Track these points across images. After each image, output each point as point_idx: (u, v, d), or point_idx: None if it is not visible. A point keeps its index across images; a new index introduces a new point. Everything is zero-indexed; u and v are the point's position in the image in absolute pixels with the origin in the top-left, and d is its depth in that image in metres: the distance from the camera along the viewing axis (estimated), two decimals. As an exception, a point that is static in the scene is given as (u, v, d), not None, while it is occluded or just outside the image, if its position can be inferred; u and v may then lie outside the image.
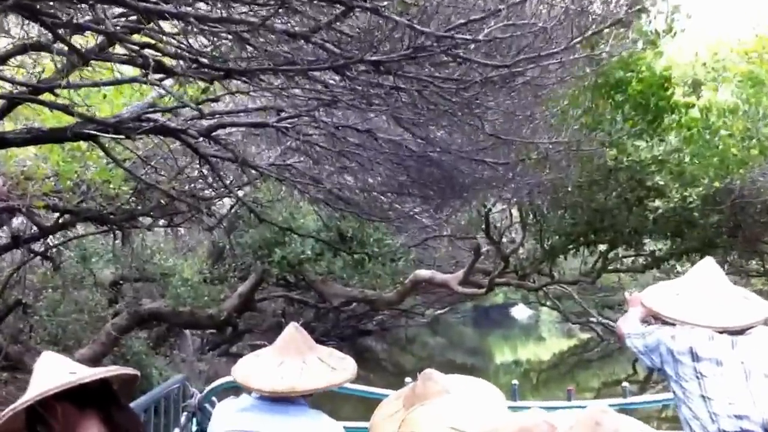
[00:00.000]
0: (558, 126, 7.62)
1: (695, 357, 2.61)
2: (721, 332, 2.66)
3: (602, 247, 11.39)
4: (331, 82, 6.00)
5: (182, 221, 12.61)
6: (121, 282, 14.23)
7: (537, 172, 8.31)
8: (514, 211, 11.85)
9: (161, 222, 12.79)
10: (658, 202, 9.70)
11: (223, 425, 2.61)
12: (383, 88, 5.58)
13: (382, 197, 8.95)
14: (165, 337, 17.20)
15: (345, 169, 8.72)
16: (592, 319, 24.73)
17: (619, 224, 10.62)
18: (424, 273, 12.51)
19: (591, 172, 9.76)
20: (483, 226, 11.04)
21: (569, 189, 10.32)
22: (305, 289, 14.73)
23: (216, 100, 7.25)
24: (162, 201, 10.52)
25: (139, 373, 2.14)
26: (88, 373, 1.95)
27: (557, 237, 11.43)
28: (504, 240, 12.02)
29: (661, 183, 9.67)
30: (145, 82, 6.01)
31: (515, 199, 10.26)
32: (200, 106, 6.97)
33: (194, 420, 4.25)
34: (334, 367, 2.63)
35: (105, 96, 7.27)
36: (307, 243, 11.18)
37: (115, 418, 1.98)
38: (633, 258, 12.31)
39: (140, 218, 12.72)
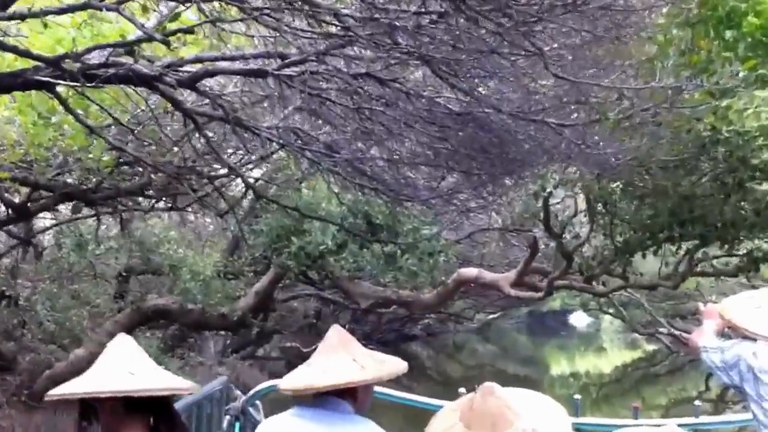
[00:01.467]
0: (647, 73, 5.74)
1: None
2: None
3: (687, 245, 9.26)
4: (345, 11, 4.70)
5: (187, 204, 11.03)
6: (126, 274, 12.76)
7: (616, 139, 6.42)
8: (580, 200, 9.80)
9: (161, 205, 11.20)
10: (765, 186, 7.59)
11: None
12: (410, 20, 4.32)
13: (413, 172, 7.16)
14: (183, 337, 15.67)
15: (366, 135, 6.89)
16: (661, 329, 22.48)
17: (712, 215, 8.52)
18: (469, 272, 10.58)
19: (684, 145, 7.72)
20: (542, 216, 9.06)
21: (650, 170, 8.29)
22: (331, 287, 12.91)
23: (190, 31, 5.52)
24: (153, 177, 8.94)
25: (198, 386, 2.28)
26: (149, 385, 2.01)
27: (632, 231, 9.38)
28: (566, 235, 9.97)
29: (772, 161, 7.58)
30: (100, 8, 4.73)
31: (585, 177, 8.26)
32: (169, 39, 5.30)
33: (237, 425, 4.22)
34: (364, 366, 2.51)
35: (46, 26, 5.63)
36: (328, 232, 9.40)
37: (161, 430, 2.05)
38: (725, 259, 10.15)
39: (141, 199, 11.28)
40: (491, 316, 32.96)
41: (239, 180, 12.11)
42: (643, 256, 9.37)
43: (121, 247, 11.76)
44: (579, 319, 44.00)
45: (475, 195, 7.58)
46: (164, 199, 10.77)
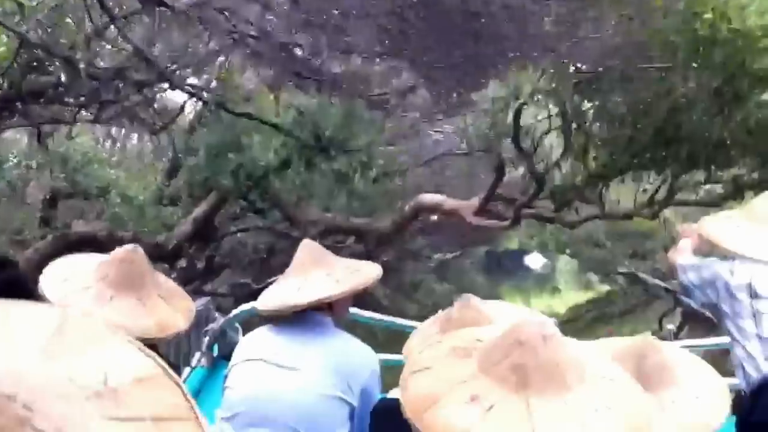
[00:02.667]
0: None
1: (753, 294, 2.43)
2: None
3: (672, 168, 8.15)
4: None
5: (113, 116, 9.53)
6: (52, 198, 11.30)
7: (608, 26, 5.20)
8: (554, 121, 8.59)
9: (84, 117, 9.71)
10: (766, 96, 6.49)
11: (241, 353, 2.52)
12: None
13: (369, 66, 5.88)
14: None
15: (308, 24, 5.57)
16: (621, 269, 21.82)
17: (702, 134, 7.43)
18: (429, 198, 9.39)
19: (676, 51, 6.55)
20: (511, 131, 7.86)
21: (632, 80, 7.13)
22: (283, 221, 11.57)
23: None
24: (63, 77, 7.47)
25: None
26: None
27: (610, 154, 8.25)
28: (539, 165, 8.78)
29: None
30: None
31: (561, 91, 7.06)
32: None
33: (215, 346, 4.09)
34: (339, 279, 2.45)
35: None
36: (269, 147, 8.08)
37: None
38: (708, 187, 9.08)
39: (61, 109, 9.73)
40: (449, 255, 32.12)
41: (177, 97, 10.69)
42: (622, 180, 8.27)
43: (40, 166, 10.28)
44: (535, 261, 43.59)
45: (438, 96, 6.38)
46: (87, 110, 9.32)
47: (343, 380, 2.38)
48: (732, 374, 2.56)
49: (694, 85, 7.18)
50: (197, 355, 4.07)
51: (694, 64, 6.95)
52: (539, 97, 7.85)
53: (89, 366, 0.82)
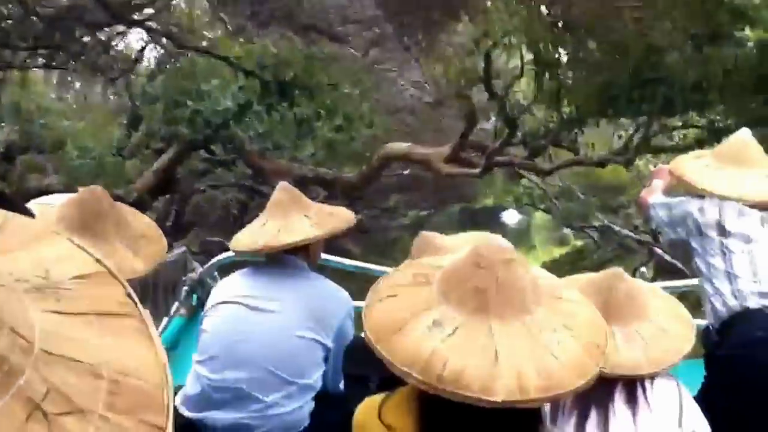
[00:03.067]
0: None
1: (723, 231, 2.44)
2: (752, 206, 2.46)
3: (649, 110, 7.80)
4: None
5: (66, 61, 8.95)
6: (7, 152, 10.76)
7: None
8: (527, 65, 8.17)
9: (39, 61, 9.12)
10: (748, 32, 6.15)
11: (216, 296, 2.51)
12: None
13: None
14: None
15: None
16: (595, 222, 21.66)
17: (677, 75, 7.09)
18: (397, 146, 9.00)
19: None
20: (482, 76, 7.46)
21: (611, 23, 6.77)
22: (238, 169, 11.12)
23: None
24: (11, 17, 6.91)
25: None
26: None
27: (584, 100, 7.91)
28: (512, 110, 8.40)
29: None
30: None
31: (535, 29, 6.67)
32: None
33: (194, 295, 4.00)
34: (317, 222, 2.47)
35: None
36: (228, 91, 7.62)
37: None
38: (683, 132, 8.77)
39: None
40: (424, 212, 31.86)
41: (136, 44, 10.17)
42: (597, 124, 7.94)
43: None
44: (510, 217, 43.48)
45: (405, 37, 5.96)
46: (39, 55, 8.75)
47: (318, 322, 2.38)
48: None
49: (669, 23, 6.82)
50: (176, 304, 4.00)
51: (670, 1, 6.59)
52: (512, 39, 7.45)
53: (30, 261, 0.81)
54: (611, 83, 7.41)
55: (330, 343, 2.40)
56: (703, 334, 2.39)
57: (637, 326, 1.92)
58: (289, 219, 2.46)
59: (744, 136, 2.71)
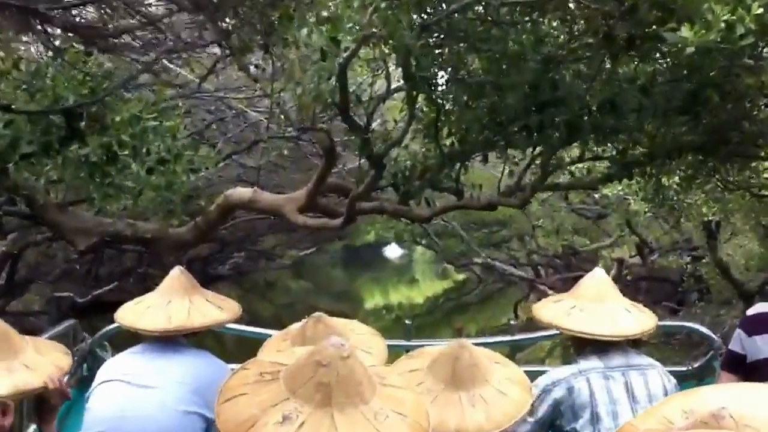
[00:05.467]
0: None
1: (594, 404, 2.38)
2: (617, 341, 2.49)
3: (549, 140, 5.88)
4: None
5: None
6: None
7: None
8: (393, 80, 6.10)
9: None
10: (685, 32, 4.33)
11: (103, 374, 2.54)
12: None
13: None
14: None
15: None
16: (476, 259, 20.16)
17: (583, 95, 5.24)
18: (239, 193, 6.66)
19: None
20: (338, 95, 5.32)
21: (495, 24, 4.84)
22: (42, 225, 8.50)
23: None
24: None
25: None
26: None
27: (465, 131, 5.94)
28: (377, 143, 6.27)
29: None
30: None
31: (401, 32, 4.59)
32: None
33: (85, 366, 3.87)
34: (221, 307, 2.60)
35: None
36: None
37: None
38: (587, 166, 6.96)
39: None
40: (304, 252, 29.61)
41: None
42: (485, 158, 5.98)
43: None
44: (393, 251, 42.06)
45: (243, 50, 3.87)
46: None
47: (200, 395, 2.41)
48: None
49: (577, 26, 4.95)
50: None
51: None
52: (374, 50, 5.37)
53: None
54: (499, 106, 5.44)
55: (211, 415, 2.19)
56: None
57: (480, 390, 2.17)
58: (194, 301, 2.54)
59: (599, 274, 2.69)
